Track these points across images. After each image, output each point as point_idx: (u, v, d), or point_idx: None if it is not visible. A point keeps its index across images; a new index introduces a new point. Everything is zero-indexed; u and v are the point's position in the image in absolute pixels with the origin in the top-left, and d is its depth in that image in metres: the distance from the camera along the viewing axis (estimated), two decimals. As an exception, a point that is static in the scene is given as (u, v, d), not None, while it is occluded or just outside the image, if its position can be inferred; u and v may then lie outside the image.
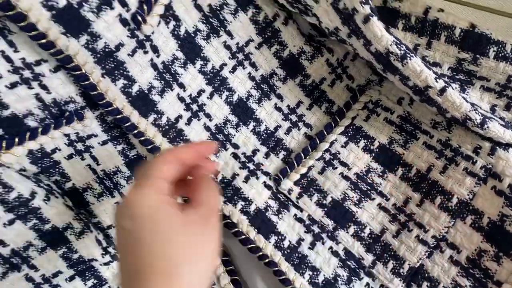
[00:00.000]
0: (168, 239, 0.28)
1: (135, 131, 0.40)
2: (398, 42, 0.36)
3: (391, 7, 0.42)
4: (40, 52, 0.35)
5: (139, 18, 0.36)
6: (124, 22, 0.36)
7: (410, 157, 0.42)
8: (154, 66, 0.40)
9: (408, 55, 0.36)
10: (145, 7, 0.37)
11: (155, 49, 0.40)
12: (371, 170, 0.43)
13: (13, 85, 0.36)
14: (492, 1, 0.44)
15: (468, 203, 0.39)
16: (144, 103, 0.40)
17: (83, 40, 0.35)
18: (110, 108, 0.38)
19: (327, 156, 0.44)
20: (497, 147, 0.38)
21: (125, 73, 0.38)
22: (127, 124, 0.39)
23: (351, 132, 0.44)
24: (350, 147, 0.43)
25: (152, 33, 0.39)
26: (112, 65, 0.37)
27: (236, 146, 0.45)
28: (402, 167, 0.42)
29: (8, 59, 0.35)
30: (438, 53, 0.40)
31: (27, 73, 0.36)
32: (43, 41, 0.33)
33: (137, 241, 0.27)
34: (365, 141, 0.43)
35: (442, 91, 0.36)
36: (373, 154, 0.43)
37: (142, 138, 0.40)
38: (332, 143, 0.44)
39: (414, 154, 0.42)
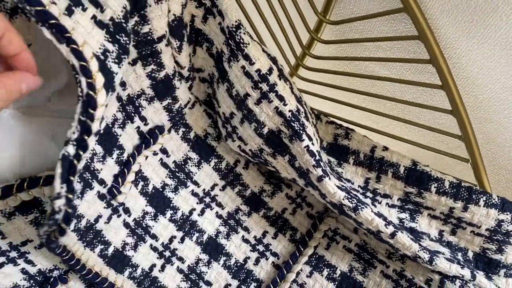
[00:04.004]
0: None
1: None
2: (349, 196, 0.40)
3: (341, 144, 0.47)
4: (24, 235, 0.38)
5: (115, 191, 0.39)
6: (102, 197, 0.39)
7: (370, 285, 0.45)
8: (126, 225, 0.42)
9: (360, 207, 0.40)
10: (119, 179, 0.39)
11: (127, 211, 0.42)
12: (336, 298, 0.46)
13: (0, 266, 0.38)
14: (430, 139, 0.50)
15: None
16: (119, 260, 0.42)
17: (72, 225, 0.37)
18: (90, 275, 0.39)
19: (295, 286, 0.47)
20: (445, 280, 0.42)
21: (102, 239, 0.40)
22: (105, 285, 0.41)
23: (315, 261, 0.47)
24: (314, 276, 0.47)
25: (125, 198, 0.41)
26: (92, 236, 0.39)
27: (208, 283, 0.47)
28: (363, 294, 0.46)
29: None
30: (387, 186, 0.45)
31: (13, 254, 0.38)
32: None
33: None
34: (328, 269, 0.47)
35: (393, 235, 0.41)
36: (336, 283, 0.46)
37: (120, 294, 0.42)
38: (298, 273, 0.47)
39: (373, 282, 0.45)
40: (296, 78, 0.54)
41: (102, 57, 0.29)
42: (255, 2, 0.46)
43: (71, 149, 0.28)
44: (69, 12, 0.29)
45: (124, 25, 0.32)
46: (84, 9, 0.30)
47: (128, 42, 0.32)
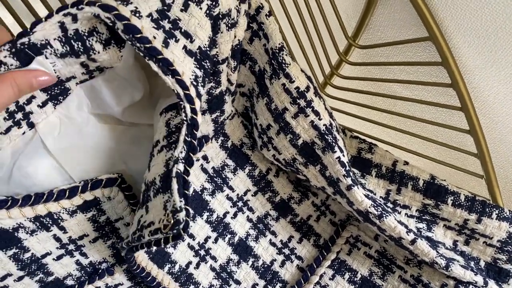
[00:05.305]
0: None
1: (154, 283, 0.45)
2: (375, 205, 0.44)
3: (365, 157, 0.51)
4: (82, 230, 0.41)
5: None
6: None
7: (389, 289, 0.49)
8: None
9: (384, 215, 0.44)
10: None
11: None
12: (356, 300, 0.50)
13: (59, 257, 0.42)
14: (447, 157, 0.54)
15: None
16: (161, 256, 0.46)
17: None
18: (138, 270, 0.43)
19: (318, 288, 0.50)
20: (460, 285, 0.46)
21: None
22: (148, 279, 0.45)
23: (337, 266, 0.51)
24: (337, 279, 0.51)
25: None
26: None
27: (238, 282, 0.51)
28: (382, 297, 0.49)
29: (58, 239, 0.41)
30: (407, 198, 0.49)
31: (71, 246, 0.42)
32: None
33: None
34: (349, 273, 0.51)
35: (413, 241, 0.44)
36: (357, 285, 0.50)
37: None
38: (321, 276, 0.51)
39: (391, 286, 0.49)
40: (323, 95, 0.58)
41: (194, 83, 0.33)
42: (292, 26, 0.50)
43: (181, 167, 0.32)
44: (166, 44, 0.32)
45: (209, 52, 0.36)
46: (176, 41, 0.33)
47: (210, 66, 0.36)
